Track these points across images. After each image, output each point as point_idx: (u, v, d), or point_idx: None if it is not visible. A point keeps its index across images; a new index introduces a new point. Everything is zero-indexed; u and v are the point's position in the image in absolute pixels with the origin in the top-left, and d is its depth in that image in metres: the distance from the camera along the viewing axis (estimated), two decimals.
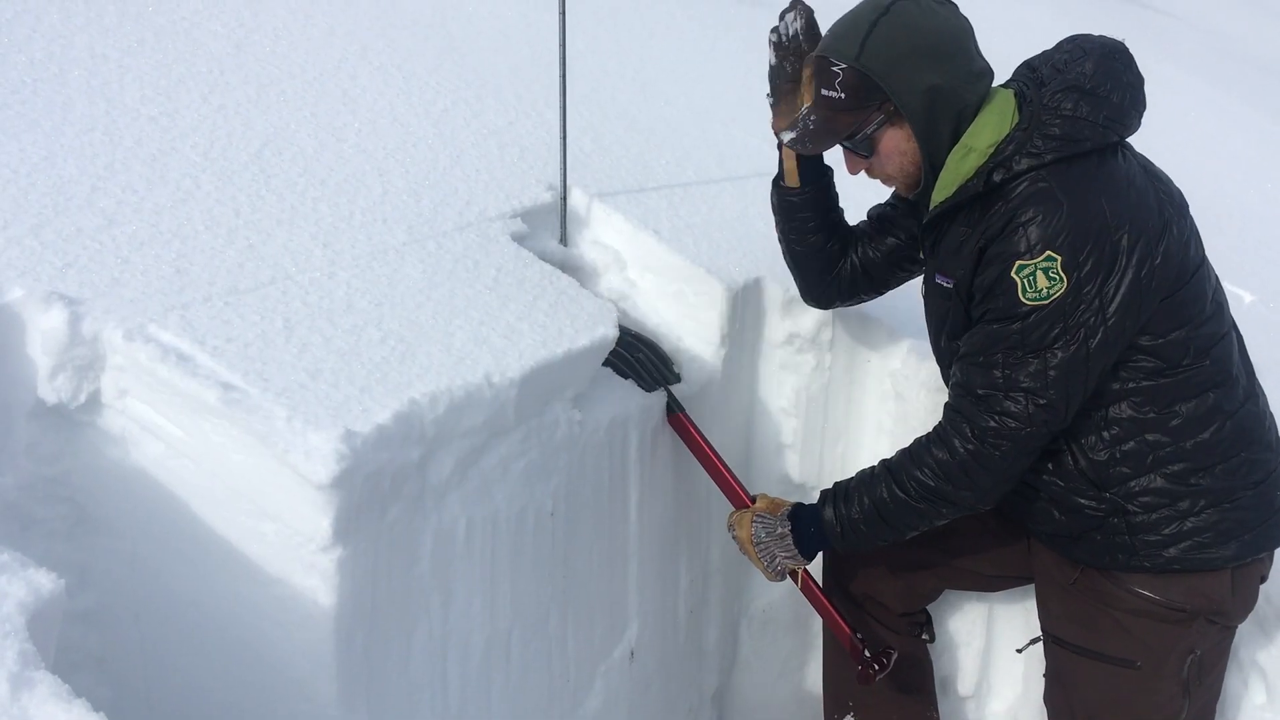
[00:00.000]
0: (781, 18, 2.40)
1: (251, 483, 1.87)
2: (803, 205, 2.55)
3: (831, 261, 2.59)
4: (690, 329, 2.80)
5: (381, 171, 2.73)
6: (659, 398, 2.64)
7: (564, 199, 2.84)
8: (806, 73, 2.34)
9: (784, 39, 2.38)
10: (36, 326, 1.93)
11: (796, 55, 2.37)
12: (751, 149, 3.55)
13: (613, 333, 2.44)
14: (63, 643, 1.76)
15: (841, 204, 2.62)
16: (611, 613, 2.62)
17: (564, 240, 2.86)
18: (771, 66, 2.42)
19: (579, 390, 2.39)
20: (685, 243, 2.86)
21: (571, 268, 2.81)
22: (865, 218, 2.62)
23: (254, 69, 3.01)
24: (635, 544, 2.64)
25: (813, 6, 2.39)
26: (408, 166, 2.80)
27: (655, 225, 2.89)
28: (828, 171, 2.56)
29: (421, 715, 2.09)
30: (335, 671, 1.90)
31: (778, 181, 2.57)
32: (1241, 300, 3.86)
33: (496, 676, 2.26)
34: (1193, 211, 2.22)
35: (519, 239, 2.66)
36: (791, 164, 2.51)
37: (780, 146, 2.51)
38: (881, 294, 2.67)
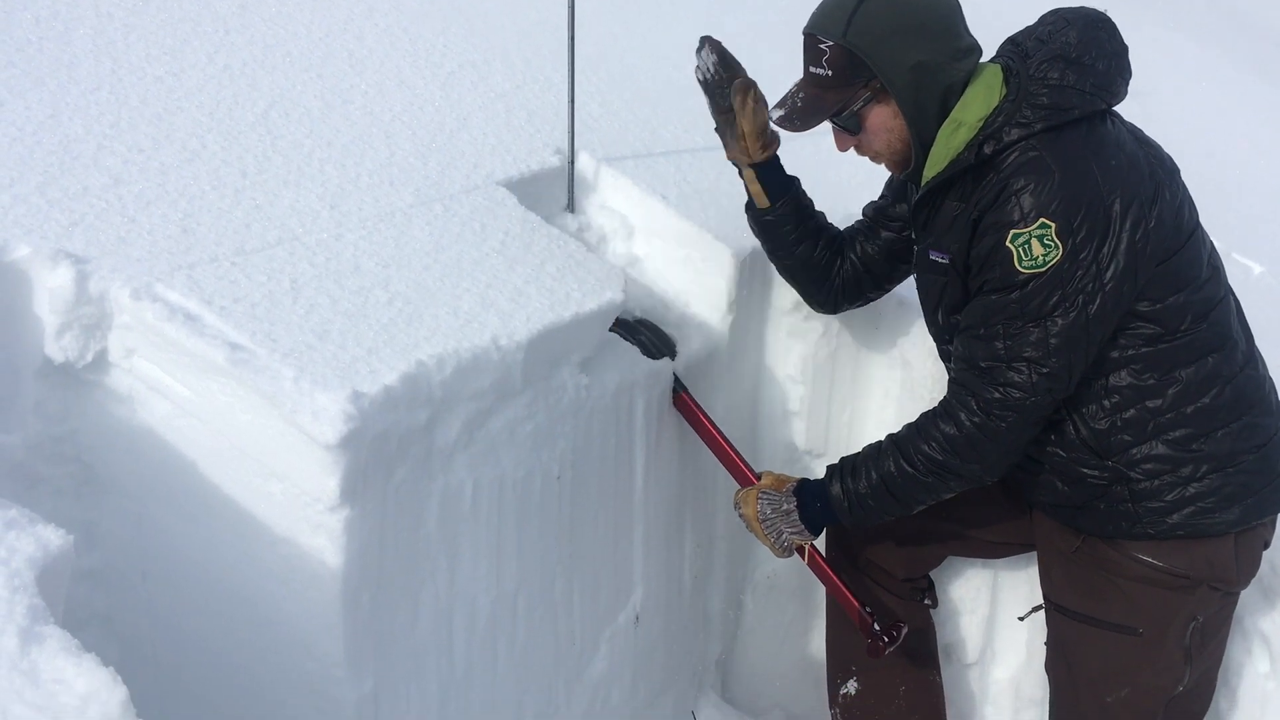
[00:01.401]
0: (697, 56, 2.46)
1: (259, 443, 1.87)
2: (780, 221, 2.57)
3: (826, 267, 2.60)
4: (698, 295, 2.79)
5: (388, 134, 2.72)
6: (666, 364, 2.64)
7: (571, 162, 2.83)
8: (738, 99, 2.40)
9: (706, 77, 2.45)
10: (43, 284, 1.93)
11: (722, 86, 2.44)
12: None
13: (620, 297, 2.43)
14: (69, 601, 1.75)
15: (824, 207, 2.63)
16: (617, 577, 2.62)
17: (571, 206, 2.85)
18: (709, 105, 2.49)
19: (586, 354, 2.38)
20: (693, 208, 2.85)
21: (578, 233, 2.80)
22: (861, 215, 2.62)
23: (260, 29, 2.99)
24: (641, 509, 2.64)
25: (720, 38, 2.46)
26: (415, 129, 2.78)
27: (663, 191, 2.88)
28: (793, 183, 2.57)
29: (428, 676, 2.10)
30: (341, 632, 1.90)
31: (750, 207, 2.60)
32: (1250, 271, 3.84)
33: (502, 639, 2.27)
34: (1203, 183, 2.22)
35: (526, 203, 2.65)
36: (756, 186, 2.54)
37: (741, 174, 2.55)
38: (886, 291, 2.67)
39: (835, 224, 2.66)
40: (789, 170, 2.56)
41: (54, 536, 1.50)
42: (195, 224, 2.17)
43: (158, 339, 1.90)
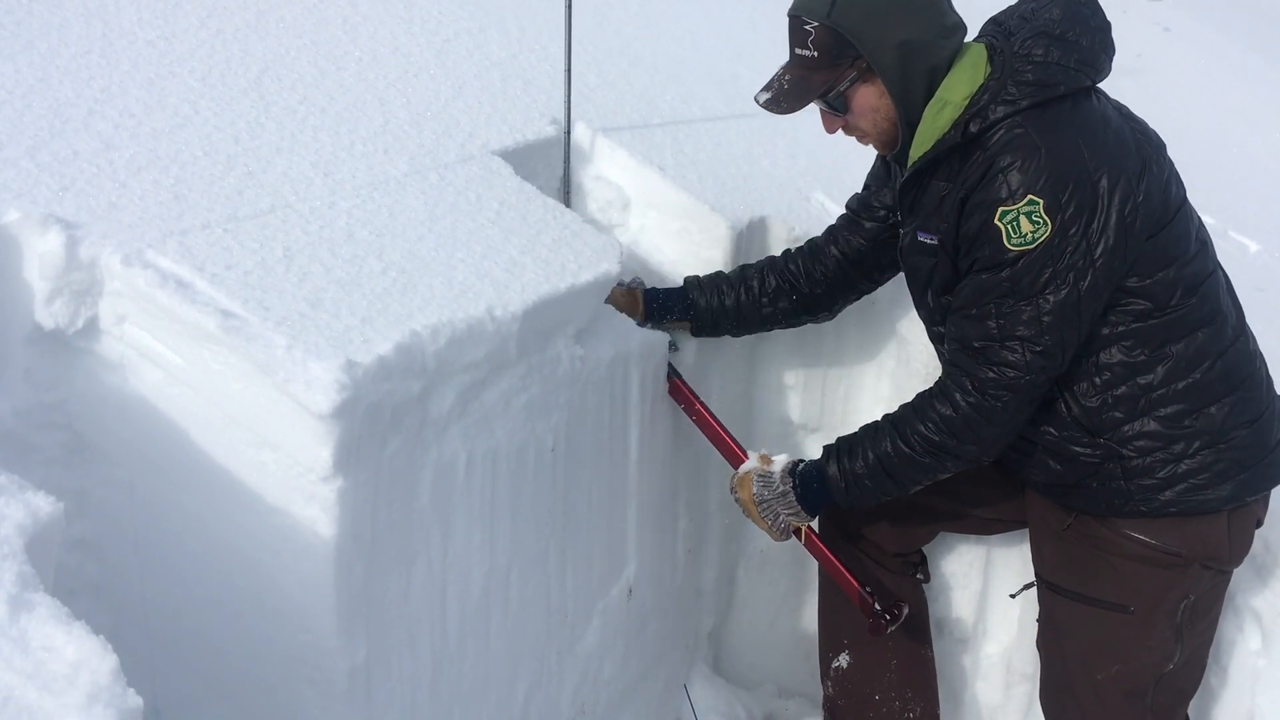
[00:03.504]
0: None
1: (251, 412, 1.85)
2: (717, 321, 2.65)
3: (790, 288, 2.62)
4: (694, 267, 2.78)
5: (383, 101, 2.69)
6: (661, 336, 2.63)
7: (568, 132, 2.80)
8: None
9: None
10: (33, 250, 1.90)
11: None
12: (757, 86, 3.49)
13: (615, 269, 2.41)
14: (60, 570, 1.75)
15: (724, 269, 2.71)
16: (610, 550, 2.61)
17: (567, 178, 2.81)
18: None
19: (581, 326, 2.37)
20: (690, 180, 2.83)
21: (574, 203, 2.78)
22: (844, 209, 2.62)
23: None
24: (635, 482, 2.63)
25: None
26: (409, 97, 2.76)
27: (660, 162, 2.86)
28: (687, 294, 2.64)
29: (420, 648, 2.09)
30: (334, 602, 1.89)
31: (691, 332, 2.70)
32: (1247, 250, 3.84)
33: (495, 611, 2.26)
34: (1199, 161, 2.22)
35: (522, 173, 2.62)
36: (676, 327, 2.67)
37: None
38: (878, 283, 2.66)
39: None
40: None
41: (44, 504, 1.48)
42: (187, 190, 2.14)
43: (149, 306, 1.88)
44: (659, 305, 2.62)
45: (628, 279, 2.60)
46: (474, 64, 3.03)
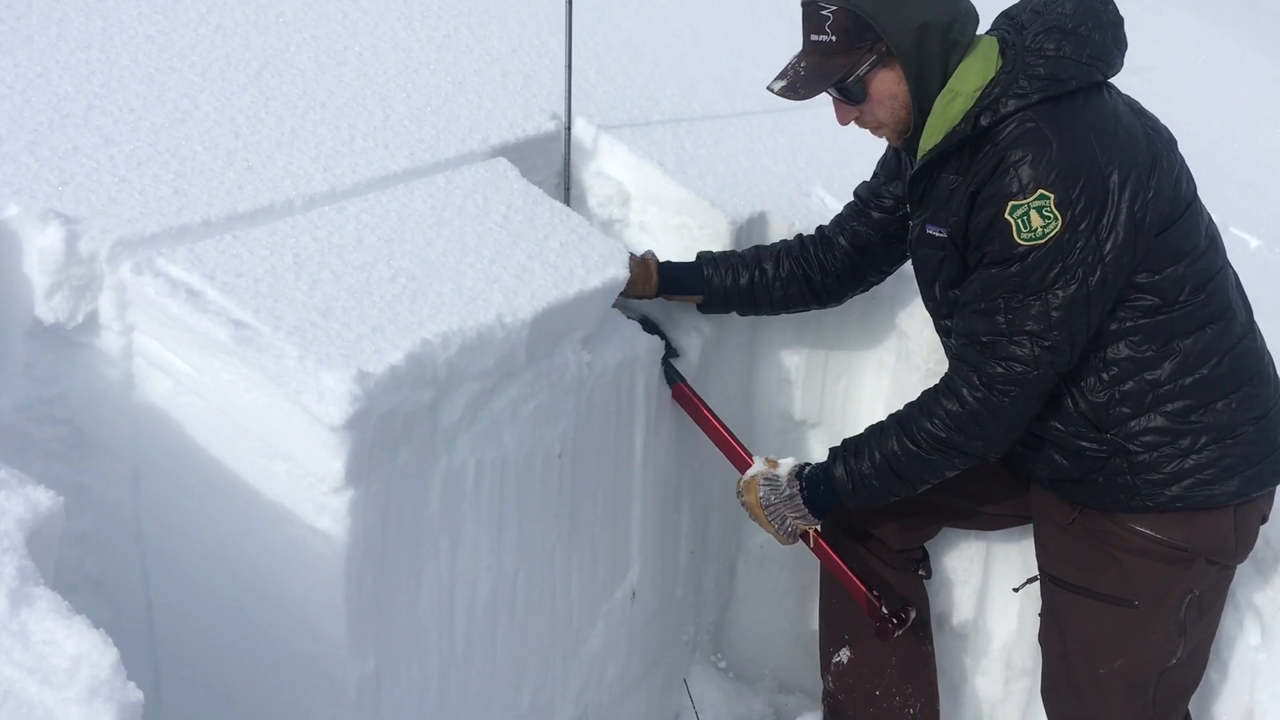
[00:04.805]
0: None
1: (262, 422, 1.83)
2: (725, 299, 2.63)
3: (804, 276, 2.61)
4: None
5: (383, 96, 2.68)
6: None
7: (568, 129, 2.78)
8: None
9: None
10: (33, 244, 1.90)
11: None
12: (758, 82, 3.48)
13: (623, 273, 2.40)
14: (60, 564, 1.74)
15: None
16: (615, 554, 2.60)
17: (568, 174, 2.80)
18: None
19: (589, 331, 2.35)
20: (690, 175, 2.83)
21: (574, 198, 2.77)
22: (852, 197, 2.61)
23: None
24: (639, 485, 2.62)
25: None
26: (409, 92, 2.74)
27: (660, 157, 2.85)
28: (701, 269, 2.61)
29: (428, 655, 2.09)
30: (345, 613, 1.88)
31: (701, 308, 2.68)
32: (1247, 245, 3.84)
33: (502, 617, 2.25)
34: (1202, 157, 2.21)
35: (522, 168, 2.61)
36: (682, 300, 2.65)
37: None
38: (885, 274, 2.65)
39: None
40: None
41: (44, 498, 1.48)
42: (187, 185, 2.13)
43: (160, 315, 1.86)
44: (671, 277, 2.60)
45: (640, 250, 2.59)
46: (474, 59, 3.01)
